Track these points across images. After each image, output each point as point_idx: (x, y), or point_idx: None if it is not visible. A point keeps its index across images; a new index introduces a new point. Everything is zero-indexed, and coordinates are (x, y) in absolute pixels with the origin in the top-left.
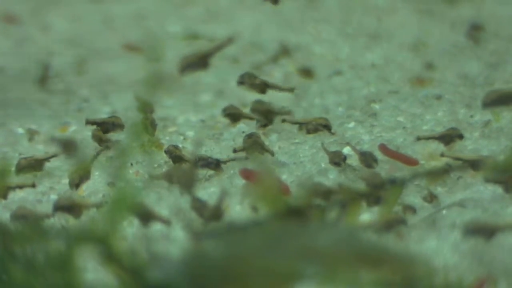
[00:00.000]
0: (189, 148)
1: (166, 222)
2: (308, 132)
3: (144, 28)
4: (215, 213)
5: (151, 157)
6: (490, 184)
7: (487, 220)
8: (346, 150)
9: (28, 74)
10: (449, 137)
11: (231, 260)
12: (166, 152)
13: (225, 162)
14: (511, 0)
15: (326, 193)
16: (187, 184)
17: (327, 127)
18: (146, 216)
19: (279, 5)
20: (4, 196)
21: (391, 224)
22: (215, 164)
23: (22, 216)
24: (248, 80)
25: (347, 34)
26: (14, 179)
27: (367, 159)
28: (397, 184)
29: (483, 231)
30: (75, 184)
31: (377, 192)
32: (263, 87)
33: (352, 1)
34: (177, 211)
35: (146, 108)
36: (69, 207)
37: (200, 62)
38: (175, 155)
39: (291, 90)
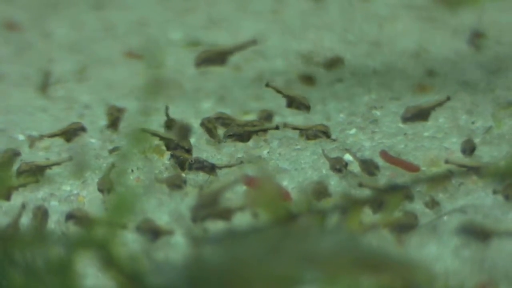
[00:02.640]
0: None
1: (169, 232)
2: (308, 138)
3: (145, 35)
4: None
5: (152, 163)
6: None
7: (483, 223)
8: (347, 156)
9: (29, 81)
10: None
11: (231, 265)
12: (171, 156)
13: (220, 168)
14: None
15: (323, 193)
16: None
17: (326, 134)
18: (149, 230)
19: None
20: (8, 197)
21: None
22: (210, 168)
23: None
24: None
25: (348, 41)
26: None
27: (369, 166)
28: (399, 190)
29: (478, 233)
30: (107, 189)
31: (381, 197)
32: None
33: (354, 8)
34: (177, 217)
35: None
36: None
37: (218, 57)
38: (182, 159)
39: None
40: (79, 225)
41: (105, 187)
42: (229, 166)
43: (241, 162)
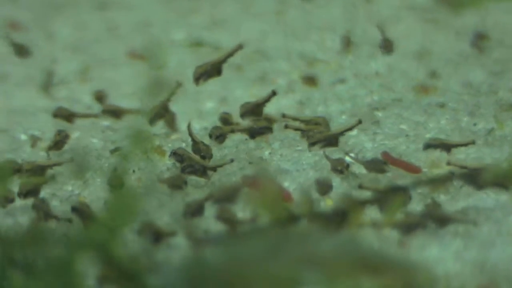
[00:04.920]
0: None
1: (171, 234)
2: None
3: (148, 36)
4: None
5: (153, 164)
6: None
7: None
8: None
9: (32, 81)
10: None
11: (232, 266)
12: (174, 154)
13: (210, 168)
14: None
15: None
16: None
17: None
18: (151, 233)
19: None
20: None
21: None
22: (202, 171)
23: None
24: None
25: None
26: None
27: (377, 165)
28: (400, 191)
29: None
30: (118, 185)
31: (383, 198)
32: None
33: (356, 9)
34: (178, 218)
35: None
36: None
37: (213, 69)
38: (185, 158)
39: None
40: (82, 219)
41: (116, 183)
42: (219, 165)
43: (232, 161)
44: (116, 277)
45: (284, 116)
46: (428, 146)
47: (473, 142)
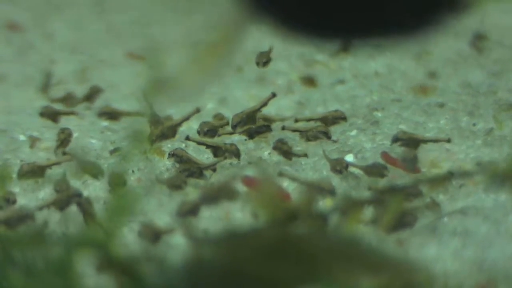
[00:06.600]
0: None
1: (170, 231)
2: (308, 139)
3: (147, 36)
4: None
5: (152, 164)
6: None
7: None
8: (348, 157)
9: (31, 82)
10: None
11: (231, 266)
12: (172, 155)
13: (207, 168)
14: None
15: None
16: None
17: (326, 134)
18: (150, 234)
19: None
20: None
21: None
22: (199, 173)
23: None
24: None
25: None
26: None
27: (378, 169)
28: (399, 191)
29: None
30: (120, 184)
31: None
32: None
33: None
34: (177, 217)
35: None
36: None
37: (169, 132)
38: (185, 158)
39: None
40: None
41: (117, 182)
42: (214, 163)
43: (225, 158)
44: (114, 275)
45: (284, 128)
46: (396, 139)
47: (448, 140)
